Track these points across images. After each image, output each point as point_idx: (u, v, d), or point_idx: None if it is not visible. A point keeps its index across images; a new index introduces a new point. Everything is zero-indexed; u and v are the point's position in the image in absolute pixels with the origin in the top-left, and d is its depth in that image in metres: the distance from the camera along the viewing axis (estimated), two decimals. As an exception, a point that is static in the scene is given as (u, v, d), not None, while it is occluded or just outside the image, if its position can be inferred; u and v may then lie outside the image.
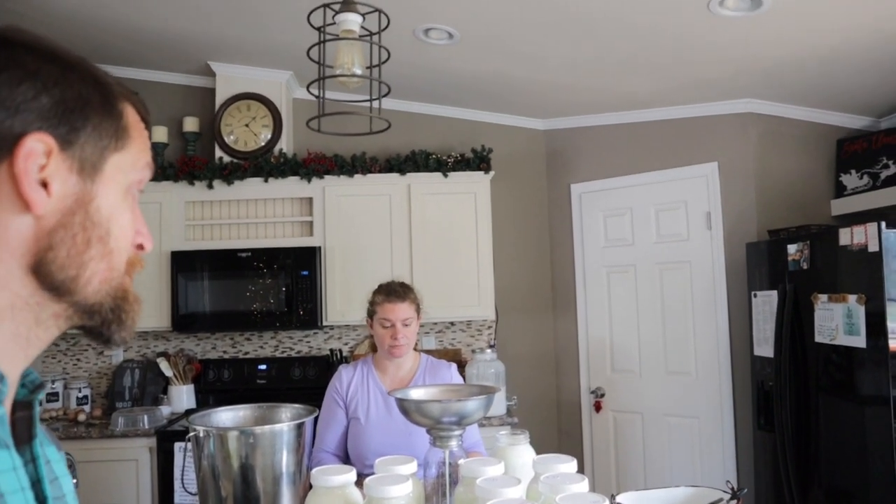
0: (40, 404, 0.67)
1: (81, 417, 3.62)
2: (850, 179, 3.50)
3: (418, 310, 2.31)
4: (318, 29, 1.65)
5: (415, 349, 2.38)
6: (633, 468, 3.84)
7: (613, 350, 3.94)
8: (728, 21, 2.63)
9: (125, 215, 0.66)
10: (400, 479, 1.40)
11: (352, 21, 1.59)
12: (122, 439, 3.37)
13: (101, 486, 3.27)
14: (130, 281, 0.67)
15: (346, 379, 2.30)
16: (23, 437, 0.61)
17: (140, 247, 0.69)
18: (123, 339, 0.67)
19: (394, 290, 2.27)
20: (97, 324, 0.65)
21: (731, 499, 1.41)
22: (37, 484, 0.60)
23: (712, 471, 3.52)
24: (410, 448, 1.98)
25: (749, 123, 3.54)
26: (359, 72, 1.61)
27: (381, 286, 2.35)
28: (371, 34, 1.67)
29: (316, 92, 1.67)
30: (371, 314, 2.30)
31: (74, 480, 1.97)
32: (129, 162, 0.66)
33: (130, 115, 0.68)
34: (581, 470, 1.50)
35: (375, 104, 1.71)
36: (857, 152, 3.50)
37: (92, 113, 0.63)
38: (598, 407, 3.95)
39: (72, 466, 1.90)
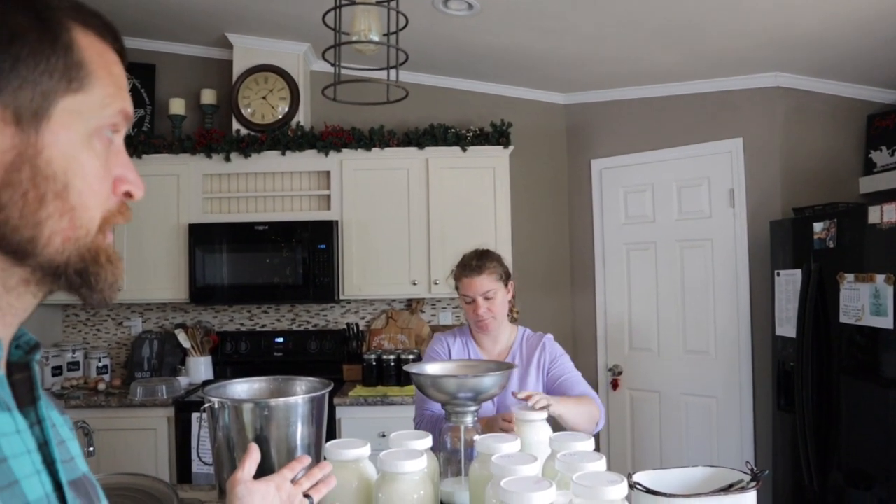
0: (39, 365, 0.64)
1: (101, 387, 3.67)
2: (881, 156, 3.40)
3: (504, 278, 2.13)
4: (335, -6, 1.61)
5: (512, 321, 2.25)
6: (649, 447, 3.82)
7: (632, 328, 3.90)
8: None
9: (90, 165, 0.57)
10: (414, 455, 1.39)
11: (369, -14, 1.55)
12: (141, 409, 3.41)
13: (120, 455, 3.32)
14: (105, 238, 0.60)
15: (447, 344, 2.19)
16: (25, 399, 0.59)
17: (128, 195, 0.62)
18: (100, 301, 0.61)
19: (467, 264, 2.10)
20: (65, 287, 0.59)
21: (752, 480, 1.38)
22: (44, 446, 0.58)
23: (730, 451, 3.50)
24: None
25: (776, 98, 3.45)
26: (375, 38, 1.57)
27: (461, 260, 2.17)
28: (388, 0, 1.62)
29: (332, 59, 1.64)
30: (457, 290, 2.16)
31: (91, 448, 1.99)
32: (92, 105, 0.57)
33: (89, 47, 0.58)
34: (596, 448, 1.47)
35: (393, 73, 1.67)
36: (889, 128, 3.40)
37: (23, 49, 0.53)
38: (615, 385, 3.92)
39: (88, 435, 1.91)
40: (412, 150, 3.73)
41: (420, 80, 3.96)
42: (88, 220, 0.58)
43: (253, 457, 1.16)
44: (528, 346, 2.19)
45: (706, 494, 1.32)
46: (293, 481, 1.20)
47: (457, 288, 2.14)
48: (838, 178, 3.46)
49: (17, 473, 0.52)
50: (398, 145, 3.75)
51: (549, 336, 2.22)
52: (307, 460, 1.21)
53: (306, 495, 1.20)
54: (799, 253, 3.04)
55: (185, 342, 3.83)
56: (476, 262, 2.10)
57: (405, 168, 3.74)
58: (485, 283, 2.07)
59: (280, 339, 3.97)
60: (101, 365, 3.91)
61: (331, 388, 1.62)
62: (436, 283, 3.68)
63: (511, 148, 3.73)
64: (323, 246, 3.65)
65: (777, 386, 3.22)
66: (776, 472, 3.25)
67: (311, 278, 3.65)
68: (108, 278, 0.60)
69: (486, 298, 2.07)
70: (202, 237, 3.68)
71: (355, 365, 3.79)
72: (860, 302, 2.66)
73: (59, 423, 0.65)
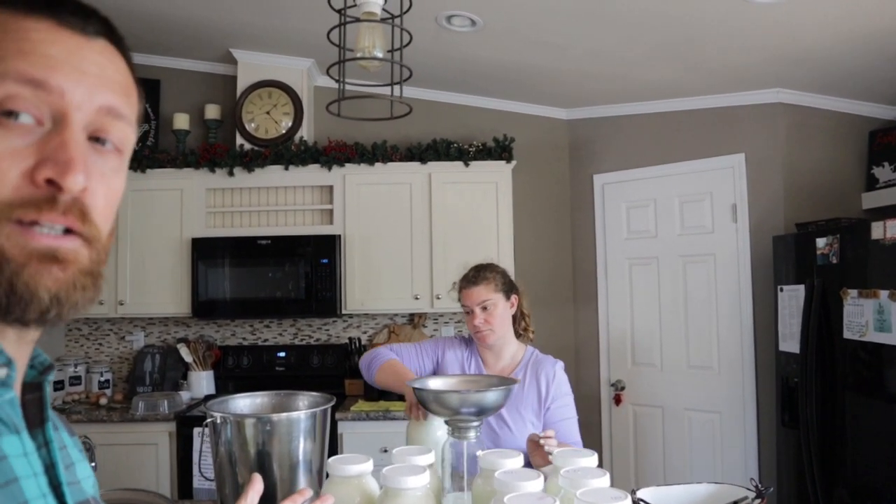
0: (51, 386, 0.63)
1: (103, 401, 3.66)
2: (883, 172, 3.41)
3: (505, 290, 2.13)
4: (339, 11, 1.62)
5: (528, 341, 2.25)
6: (652, 463, 3.80)
7: (635, 343, 3.89)
8: (758, 7, 2.56)
9: None
10: (417, 470, 1.38)
11: (373, 3, 1.57)
12: (143, 423, 3.40)
13: (121, 470, 3.31)
14: (13, 232, 0.50)
15: (452, 346, 2.20)
16: (34, 420, 0.58)
17: (51, 182, 0.51)
18: (35, 318, 0.51)
19: (466, 275, 2.15)
20: None
21: (756, 497, 1.37)
22: (50, 469, 0.57)
23: (734, 467, 3.47)
24: (497, 441, 1.97)
25: (778, 114, 3.46)
26: (380, 55, 1.58)
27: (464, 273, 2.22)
28: (393, 17, 1.64)
29: (336, 76, 1.65)
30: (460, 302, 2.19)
31: (93, 464, 1.99)
32: None
33: None
34: (600, 465, 1.47)
35: (397, 89, 1.68)
36: (891, 144, 3.40)
37: None
38: (618, 400, 3.91)
39: (90, 450, 1.91)
40: (415, 164, 3.75)
41: (423, 96, 3.98)
42: None
43: (256, 487, 1.12)
44: (535, 369, 2.14)
45: (711, 511, 1.31)
46: None
47: (459, 300, 2.18)
48: (841, 194, 3.46)
49: (26, 495, 0.52)
50: (401, 160, 3.77)
51: (561, 365, 2.17)
52: (309, 493, 1.19)
53: None
54: (802, 268, 3.04)
55: (188, 356, 3.83)
56: (474, 273, 2.15)
57: (408, 183, 3.75)
58: (481, 293, 2.09)
59: (282, 354, 3.96)
60: (102, 379, 3.90)
61: (333, 402, 1.62)
62: (438, 298, 3.68)
63: (514, 163, 3.74)
64: (325, 260, 3.66)
65: (781, 402, 3.20)
66: (781, 489, 3.23)
67: (313, 293, 3.65)
68: (27, 282, 0.50)
69: (484, 309, 2.09)
70: (205, 251, 3.69)
71: (357, 379, 3.78)
72: (864, 318, 2.65)
73: (70, 445, 0.65)
